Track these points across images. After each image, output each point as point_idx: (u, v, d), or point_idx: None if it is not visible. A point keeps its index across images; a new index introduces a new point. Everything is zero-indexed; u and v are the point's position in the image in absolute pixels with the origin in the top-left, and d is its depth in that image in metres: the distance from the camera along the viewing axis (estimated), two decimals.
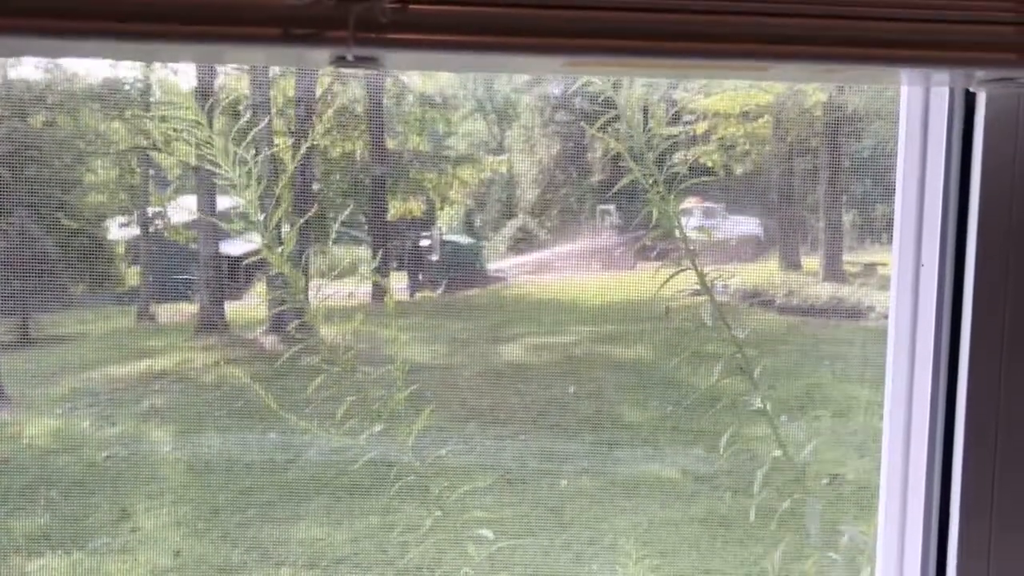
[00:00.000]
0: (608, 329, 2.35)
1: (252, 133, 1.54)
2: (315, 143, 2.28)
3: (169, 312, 2.26)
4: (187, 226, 2.26)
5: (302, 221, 2.02)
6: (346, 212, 2.15)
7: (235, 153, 1.49)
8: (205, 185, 2.18)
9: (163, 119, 2.03)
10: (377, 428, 1.64)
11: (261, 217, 1.56)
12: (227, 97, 2.14)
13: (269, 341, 2.15)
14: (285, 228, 2.12)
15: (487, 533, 1.68)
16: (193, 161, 1.76)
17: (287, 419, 1.70)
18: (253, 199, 1.54)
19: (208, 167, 1.51)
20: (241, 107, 2.25)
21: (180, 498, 2.02)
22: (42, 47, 1.03)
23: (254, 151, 1.53)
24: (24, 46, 0.97)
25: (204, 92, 2.05)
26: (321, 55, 0.81)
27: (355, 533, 1.96)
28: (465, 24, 0.79)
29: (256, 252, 1.58)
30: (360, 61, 0.80)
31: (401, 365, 1.63)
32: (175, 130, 1.56)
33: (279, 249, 1.57)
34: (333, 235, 1.84)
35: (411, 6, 0.77)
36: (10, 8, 0.79)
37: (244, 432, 2.00)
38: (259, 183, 1.52)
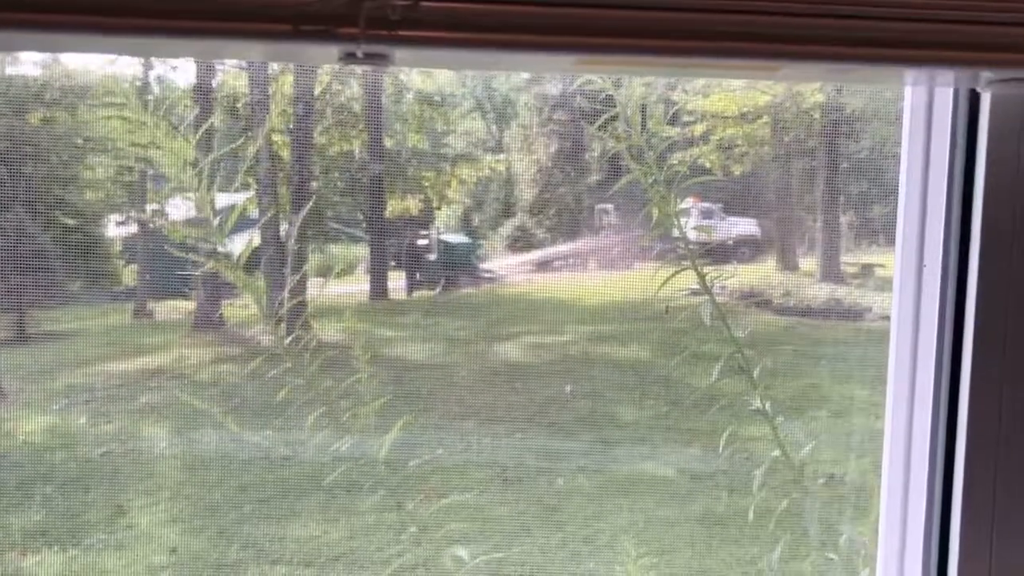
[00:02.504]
0: (606, 328, 2.35)
1: (200, 129, 1.52)
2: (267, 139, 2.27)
3: (166, 309, 2.25)
4: (187, 224, 2.25)
5: (262, 222, 2.02)
6: (305, 210, 2.13)
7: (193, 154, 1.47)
8: (203, 183, 2.17)
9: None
10: (357, 431, 1.63)
11: (216, 220, 1.54)
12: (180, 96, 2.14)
13: (267, 338, 2.14)
14: (283, 227, 2.12)
15: (480, 532, 1.68)
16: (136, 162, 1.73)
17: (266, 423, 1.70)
18: (205, 200, 1.52)
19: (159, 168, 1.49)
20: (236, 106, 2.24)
21: (176, 495, 2.01)
22: (45, 42, 1.02)
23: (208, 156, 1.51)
24: (29, 41, 0.96)
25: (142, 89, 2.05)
26: (330, 51, 0.81)
27: (352, 531, 1.96)
28: (475, 22, 0.79)
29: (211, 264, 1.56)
30: (369, 58, 0.80)
31: (383, 367, 1.63)
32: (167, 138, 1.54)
33: (233, 256, 1.54)
34: (295, 234, 1.82)
35: (422, 3, 0.77)
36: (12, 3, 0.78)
37: (239, 430, 2.00)
38: (210, 182, 1.50)
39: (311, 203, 2.19)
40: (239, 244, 1.58)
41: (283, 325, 1.61)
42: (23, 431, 1.99)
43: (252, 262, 1.71)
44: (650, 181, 1.51)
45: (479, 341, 2.32)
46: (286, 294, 1.63)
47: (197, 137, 1.46)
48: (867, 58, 0.86)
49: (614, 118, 1.50)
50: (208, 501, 2.00)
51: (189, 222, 1.73)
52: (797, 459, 1.67)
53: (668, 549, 1.97)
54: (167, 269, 2.28)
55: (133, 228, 2.33)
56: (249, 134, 2.16)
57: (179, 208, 2.28)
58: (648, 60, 0.86)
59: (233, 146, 2.02)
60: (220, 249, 1.54)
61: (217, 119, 1.89)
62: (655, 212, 1.53)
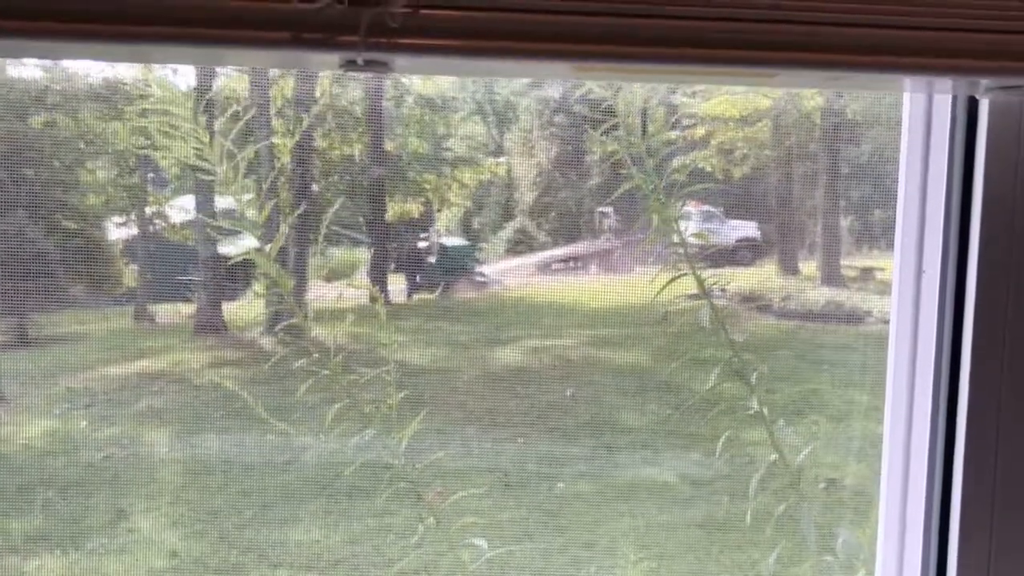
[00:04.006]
0: (606, 333, 2.35)
1: (234, 129, 1.53)
2: (309, 143, 2.28)
3: (167, 313, 2.25)
4: (185, 226, 2.26)
5: (290, 221, 2.02)
6: (333, 209, 2.14)
7: (223, 148, 1.49)
8: (204, 185, 2.17)
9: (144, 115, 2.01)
10: (369, 432, 1.64)
11: (250, 215, 1.55)
12: (224, 96, 2.14)
13: (267, 342, 2.15)
14: (283, 229, 2.12)
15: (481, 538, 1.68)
16: (187, 160, 1.75)
17: (274, 424, 1.70)
18: (241, 197, 1.53)
19: (198, 165, 1.51)
20: (240, 107, 2.24)
21: (177, 499, 2.01)
22: (42, 49, 1.03)
23: (245, 150, 1.52)
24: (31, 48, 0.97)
25: (201, 90, 2.05)
26: (331, 59, 0.81)
27: (353, 535, 1.96)
28: (475, 29, 0.80)
29: (246, 253, 1.58)
30: (369, 65, 0.80)
31: (391, 369, 1.64)
32: (172, 127, 1.56)
33: (267, 249, 1.56)
34: (323, 234, 1.83)
35: (422, 10, 0.78)
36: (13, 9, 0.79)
37: (241, 434, 2.00)
38: (237, 179, 1.51)
39: (331, 209, 2.20)
40: (242, 246, 1.59)
41: (303, 319, 1.62)
42: (24, 435, 2.00)
43: (252, 265, 1.71)
44: (650, 188, 1.51)
45: (478, 345, 2.32)
46: (300, 296, 1.64)
47: (233, 133, 1.48)
48: (864, 66, 0.86)
49: (615, 127, 1.50)
50: (210, 505, 2.00)
51: (218, 214, 1.74)
52: (796, 463, 1.68)
53: (668, 553, 1.98)
54: (171, 272, 2.29)
55: (136, 230, 2.33)
56: (250, 137, 2.16)
57: (184, 210, 2.28)
58: (645, 67, 0.87)
59: (260, 144, 2.03)
60: (255, 244, 1.55)
61: (219, 121, 1.88)
62: (656, 218, 1.54)
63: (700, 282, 1.61)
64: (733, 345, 1.65)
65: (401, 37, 0.78)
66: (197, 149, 1.49)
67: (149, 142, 2.10)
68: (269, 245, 1.57)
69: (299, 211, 2.17)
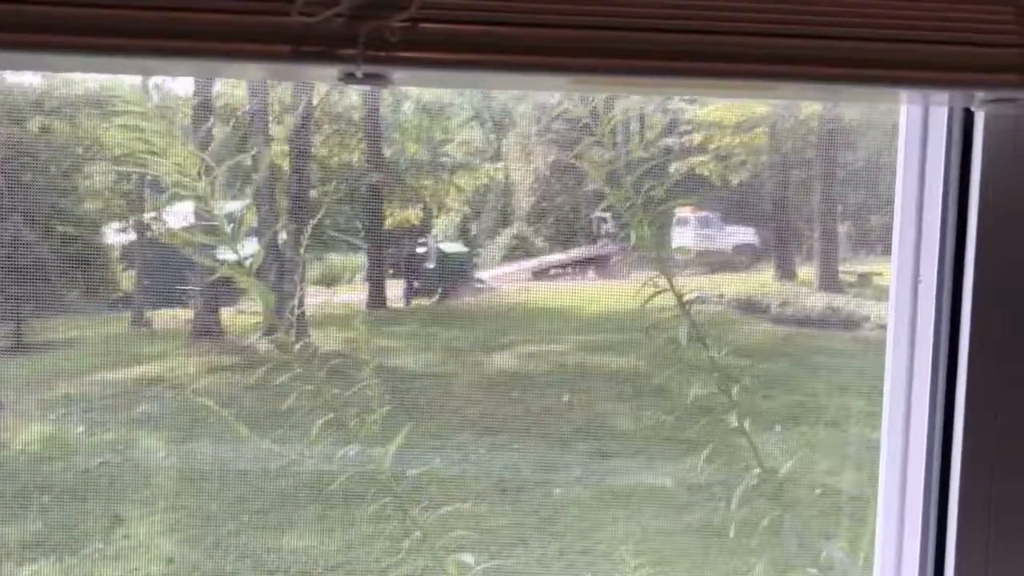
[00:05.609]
0: (603, 339, 2.35)
1: (208, 136, 1.53)
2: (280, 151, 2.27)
3: (164, 318, 2.25)
4: (183, 231, 2.26)
5: (268, 232, 2.02)
6: (314, 221, 2.14)
7: (201, 161, 1.48)
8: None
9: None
10: (358, 442, 1.64)
11: (229, 228, 1.55)
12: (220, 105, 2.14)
13: (263, 348, 2.15)
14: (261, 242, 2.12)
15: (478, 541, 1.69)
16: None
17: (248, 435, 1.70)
18: (216, 205, 1.53)
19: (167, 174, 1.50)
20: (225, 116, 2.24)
21: (173, 505, 2.01)
22: (41, 62, 1.03)
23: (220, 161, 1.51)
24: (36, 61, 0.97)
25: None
26: (330, 72, 0.82)
27: (348, 541, 1.96)
28: (473, 43, 0.80)
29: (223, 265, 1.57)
30: (368, 78, 0.80)
31: (375, 377, 1.64)
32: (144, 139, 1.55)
33: (248, 262, 1.56)
34: (304, 241, 1.82)
35: (420, 24, 0.78)
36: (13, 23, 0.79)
37: (238, 440, 2.00)
38: (222, 189, 1.51)
39: (318, 214, 2.20)
40: (245, 251, 1.59)
41: (285, 333, 1.62)
42: (20, 441, 2.00)
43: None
44: (627, 206, 1.52)
45: (475, 350, 2.32)
46: (295, 302, 1.63)
47: (211, 144, 1.47)
48: (861, 79, 0.87)
49: (599, 143, 1.50)
50: (206, 511, 2.00)
51: (198, 228, 1.73)
52: (790, 470, 1.69)
53: (666, 558, 1.98)
54: (167, 278, 2.29)
55: (132, 236, 2.33)
56: (248, 143, 2.17)
57: (180, 216, 2.28)
58: (642, 80, 0.87)
59: (244, 154, 2.02)
60: (231, 255, 1.55)
61: (216, 128, 1.88)
62: (634, 235, 1.55)
63: (679, 298, 1.63)
64: (713, 361, 1.67)
65: (399, 51, 0.78)
66: (174, 162, 1.49)
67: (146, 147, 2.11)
68: (249, 258, 1.57)
69: (278, 225, 2.16)
